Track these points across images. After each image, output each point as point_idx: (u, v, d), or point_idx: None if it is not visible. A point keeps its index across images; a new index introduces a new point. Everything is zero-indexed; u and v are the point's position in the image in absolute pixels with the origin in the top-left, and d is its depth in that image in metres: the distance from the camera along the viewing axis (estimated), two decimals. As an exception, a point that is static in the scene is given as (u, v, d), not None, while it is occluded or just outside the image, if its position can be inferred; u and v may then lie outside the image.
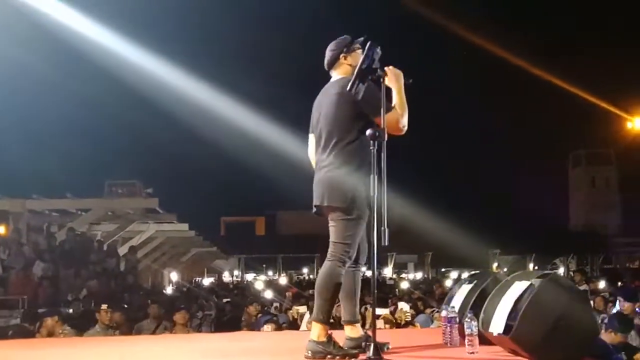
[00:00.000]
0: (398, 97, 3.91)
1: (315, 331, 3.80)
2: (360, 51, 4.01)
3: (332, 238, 3.87)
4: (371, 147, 3.60)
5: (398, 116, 3.87)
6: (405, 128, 3.92)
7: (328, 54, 4.13)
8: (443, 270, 44.50)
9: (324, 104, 4.03)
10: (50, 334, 7.10)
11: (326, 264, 3.82)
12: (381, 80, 3.80)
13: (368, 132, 3.61)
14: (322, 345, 3.72)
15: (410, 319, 9.05)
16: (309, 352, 3.74)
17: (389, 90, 3.93)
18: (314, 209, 4.04)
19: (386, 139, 3.67)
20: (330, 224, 3.92)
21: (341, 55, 4.06)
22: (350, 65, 4.02)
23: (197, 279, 34.31)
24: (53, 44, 14.63)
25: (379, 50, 3.80)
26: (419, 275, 39.94)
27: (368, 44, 3.81)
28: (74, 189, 19.13)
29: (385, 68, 3.96)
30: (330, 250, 3.84)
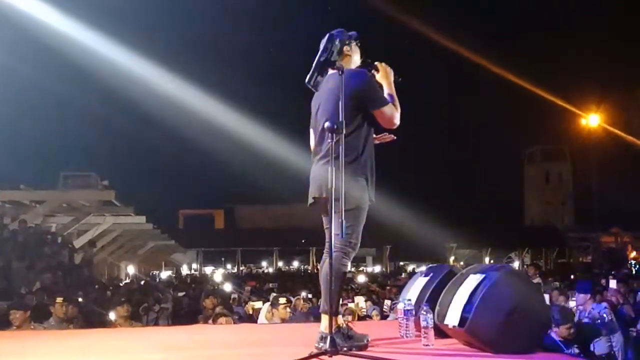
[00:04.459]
0: (390, 93, 3.97)
1: (323, 322, 3.74)
2: (356, 44, 4.06)
3: (334, 230, 3.66)
4: (328, 140, 3.57)
5: (393, 111, 3.92)
6: (398, 124, 3.96)
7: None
8: (402, 263, 44.96)
9: (323, 97, 3.97)
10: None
11: (331, 255, 3.64)
12: (340, 73, 3.71)
13: (326, 124, 3.56)
14: (332, 336, 3.54)
15: (365, 313, 9.13)
16: (319, 343, 3.62)
17: (379, 86, 3.97)
18: (311, 201, 3.98)
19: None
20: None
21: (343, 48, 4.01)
22: (350, 56, 4.04)
23: (155, 272, 33.94)
24: (4, 28, 14.27)
25: (337, 42, 3.79)
26: (377, 268, 40.27)
27: (327, 36, 3.79)
28: (27, 180, 18.77)
29: (377, 63, 4.02)
30: (334, 242, 3.67)
